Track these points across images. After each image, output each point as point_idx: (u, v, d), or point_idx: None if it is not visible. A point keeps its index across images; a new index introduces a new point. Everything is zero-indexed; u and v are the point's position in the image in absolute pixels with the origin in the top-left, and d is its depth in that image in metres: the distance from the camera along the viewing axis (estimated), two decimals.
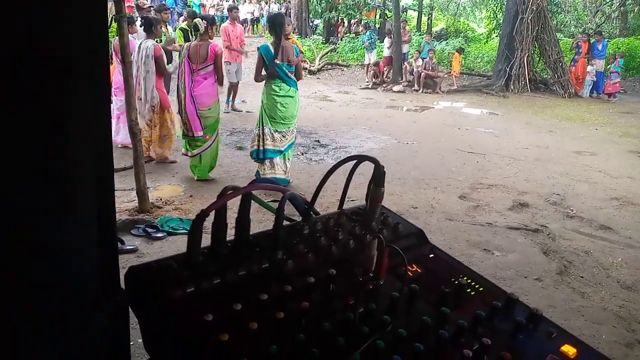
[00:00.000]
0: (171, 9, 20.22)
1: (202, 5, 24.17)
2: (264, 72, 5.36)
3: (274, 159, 5.50)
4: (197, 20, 5.69)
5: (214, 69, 5.57)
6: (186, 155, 5.89)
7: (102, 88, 0.84)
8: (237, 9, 8.80)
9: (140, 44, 6.05)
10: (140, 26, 6.51)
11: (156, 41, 6.42)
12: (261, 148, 5.42)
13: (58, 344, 0.85)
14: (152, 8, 9.20)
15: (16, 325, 0.80)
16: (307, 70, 16.35)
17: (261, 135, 5.41)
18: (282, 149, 5.49)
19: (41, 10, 0.72)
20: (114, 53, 6.15)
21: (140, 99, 5.98)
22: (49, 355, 0.85)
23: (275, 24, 5.39)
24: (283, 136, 5.47)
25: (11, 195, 0.75)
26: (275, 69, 5.25)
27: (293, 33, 22.13)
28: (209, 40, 5.60)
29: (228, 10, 9.27)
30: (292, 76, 5.39)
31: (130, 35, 6.12)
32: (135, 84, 5.65)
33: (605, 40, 15.79)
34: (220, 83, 5.85)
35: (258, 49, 5.42)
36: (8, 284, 0.78)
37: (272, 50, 5.25)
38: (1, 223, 0.74)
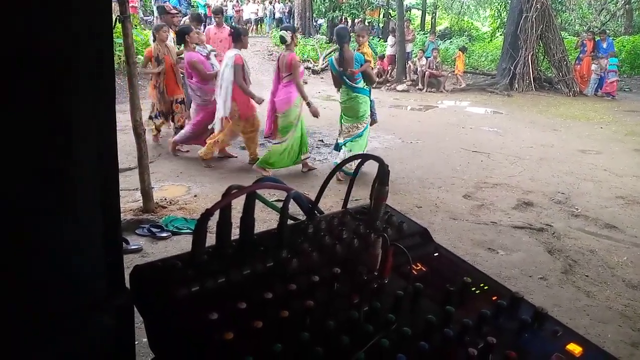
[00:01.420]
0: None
1: (208, 6, 24.22)
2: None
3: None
4: (283, 32, 6.00)
5: (293, 76, 5.93)
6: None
7: (107, 88, 0.84)
8: (222, 15, 8.60)
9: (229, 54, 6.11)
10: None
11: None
12: (338, 141, 6.38)
13: (63, 343, 0.86)
14: (179, 13, 8.96)
15: (21, 324, 0.80)
16: (310, 70, 16.36)
17: (340, 129, 6.31)
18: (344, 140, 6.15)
19: (43, 9, 0.72)
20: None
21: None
22: (53, 354, 0.85)
23: (338, 37, 6.23)
24: (348, 130, 6.13)
25: (15, 195, 0.75)
26: (340, 78, 5.94)
27: (296, 32, 22.25)
28: (292, 50, 6.01)
29: (213, 14, 9.04)
30: (356, 83, 5.91)
31: (197, 46, 6.53)
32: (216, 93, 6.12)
33: (610, 38, 15.71)
34: (299, 89, 6.01)
35: (329, 61, 6.25)
36: (13, 283, 0.78)
37: (336, 64, 5.94)
38: (5, 223, 0.75)
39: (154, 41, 6.88)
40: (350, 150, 6.03)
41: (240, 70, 5.94)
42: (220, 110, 6.04)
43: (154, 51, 6.74)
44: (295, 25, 23.21)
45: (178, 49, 7.07)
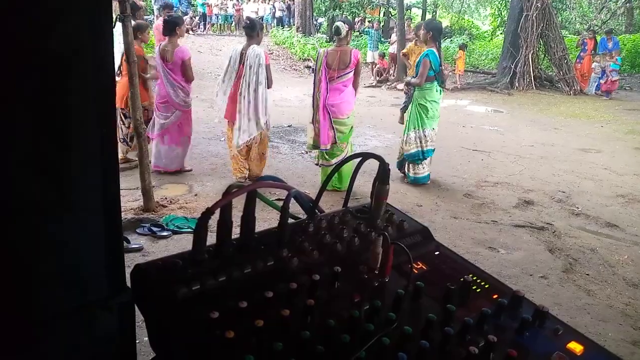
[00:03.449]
0: (175, 9, 20.28)
1: (207, 5, 24.22)
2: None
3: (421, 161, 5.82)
4: (339, 23, 5.29)
5: (354, 76, 5.30)
6: (318, 165, 5.61)
7: (106, 87, 0.84)
8: (171, 9, 7.72)
9: (244, 49, 5.25)
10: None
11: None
12: (424, 149, 5.74)
13: (64, 341, 0.86)
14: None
15: (22, 323, 0.80)
16: (311, 69, 16.34)
17: (423, 136, 5.70)
18: (429, 149, 5.79)
19: (43, 7, 0.72)
20: (159, 59, 5.62)
21: (240, 112, 5.27)
22: (55, 352, 0.85)
23: (437, 31, 5.66)
24: (431, 137, 5.77)
25: (16, 194, 0.75)
26: (442, 74, 5.61)
27: (297, 31, 22.23)
28: (348, 45, 5.34)
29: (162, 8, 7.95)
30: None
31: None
32: (238, 96, 5.25)
33: (616, 37, 15.68)
34: (356, 89, 5.49)
35: (426, 54, 5.47)
36: (13, 281, 0.78)
37: (439, 57, 5.49)
38: (6, 222, 0.75)
39: (135, 39, 5.76)
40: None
41: (270, 71, 5.32)
42: (252, 122, 5.26)
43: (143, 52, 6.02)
44: (296, 24, 23.23)
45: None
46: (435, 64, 5.49)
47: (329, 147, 5.36)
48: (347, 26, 5.28)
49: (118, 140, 6.00)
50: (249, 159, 5.58)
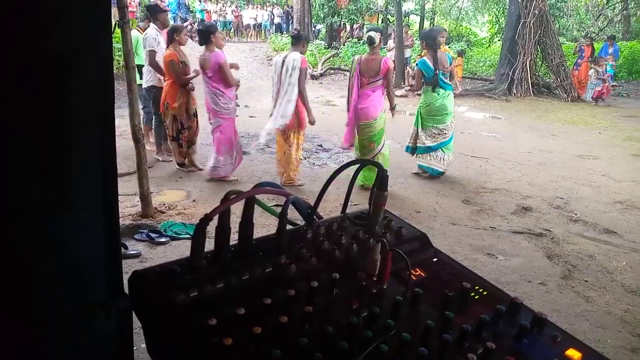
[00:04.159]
0: (174, 15, 20.35)
1: (206, 11, 24.30)
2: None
3: (434, 152, 6.30)
4: (372, 33, 5.68)
5: (384, 82, 5.65)
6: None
7: (106, 87, 0.84)
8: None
9: (286, 56, 5.60)
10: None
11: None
12: (415, 145, 6.37)
13: (62, 348, 0.86)
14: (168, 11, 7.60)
15: (22, 323, 0.80)
16: (310, 75, 16.39)
17: (422, 133, 6.30)
18: (443, 141, 6.23)
19: (43, 7, 0.72)
20: (200, 69, 5.72)
21: (274, 106, 5.70)
22: (55, 352, 0.85)
23: (428, 40, 6.19)
24: (440, 132, 6.23)
25: (15, 195, 0.75)
26: (436, 79, 6.03)
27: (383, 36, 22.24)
28: (379, 53, 5.76)
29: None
30: (447, 80, 6.17)
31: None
32: (275, 98, 5.68)
33: (617, 44, 15.77)
34: (390, 93, 5.84)
35: (417, 65, 6.25)
36: (14, 281, 0.78)
37: (431, 64, 5.99)
38: (5, 223, 0.75)
39: (170, 43, 6.00)
40: (451, 152, 6.34)
41: (304, 76, 5.60)
42: (277, 119, 5.58)
43: (179, 56, 5.95)
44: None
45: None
46: (427, 71, 6.05)
47: (346, 145, 6.03)
48: (379, 35, 5.71)
49: (170, 142, 6.35)
50: (284, 162, 5.91)
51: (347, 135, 5.96)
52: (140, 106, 6.91)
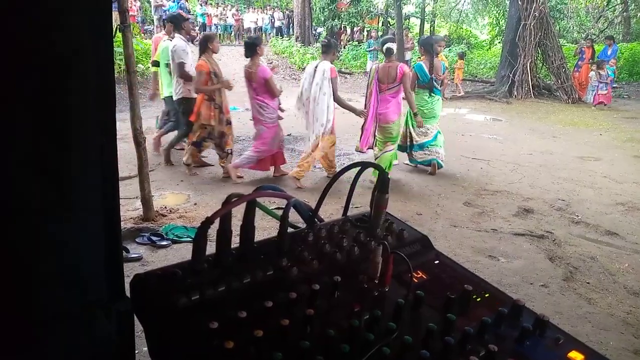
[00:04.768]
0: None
1: (207, 15, 24.32)
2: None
3: (427, 148, 6.70)
4: (390, 44, 6.11)
5: (401, 88, 6.01)
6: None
7: (106, 87, 0.84)
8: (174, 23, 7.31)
9: (317, 65, 5.94)
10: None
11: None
12: (409, 144, 6.77)
13: (62, 348, 0.85)
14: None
15: (22, 323, 0.80)
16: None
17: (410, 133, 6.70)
18: (426, 140, 6.65)
19: (43, 7, 0.73)
20: (245, 80, 5.88)
21: (308, 115, 6.08)
22: (55, 352, 0.85)
23: (428, 46, 6.62)
24: (424, 133, 6.64)
25: (15, 195, 0.75)
26: (432, 83, 6.49)
27: (296, 41, 22.33)
28: (394, 60, 6.12)
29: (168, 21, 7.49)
30: (438, 86, 6.65)
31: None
32: (307, 106, 6.04)
33: (616, 45, 15.76)
34: (409, 98, 6.20)
35: (413, 67, 6.71)
36: (14, 281, 0.78)
37: (427, 70, 6.46)
38: (5, 221, 0.75)
39: (203, 53, 5.96)
40: (441, 146, 6.74)
41: (336, 84, 5.98)
42: (317, 127, 5.97)
43: (210, 66, 5.89)
44: (295, 34, 23.34)
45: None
46: (422, 75, 6.53)
47: (365, 149, 6.33)
48: (395, 44, 6.23)
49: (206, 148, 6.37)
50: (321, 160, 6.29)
51: (365, 138, 6.25)
52: (164, 117, 7.15)
